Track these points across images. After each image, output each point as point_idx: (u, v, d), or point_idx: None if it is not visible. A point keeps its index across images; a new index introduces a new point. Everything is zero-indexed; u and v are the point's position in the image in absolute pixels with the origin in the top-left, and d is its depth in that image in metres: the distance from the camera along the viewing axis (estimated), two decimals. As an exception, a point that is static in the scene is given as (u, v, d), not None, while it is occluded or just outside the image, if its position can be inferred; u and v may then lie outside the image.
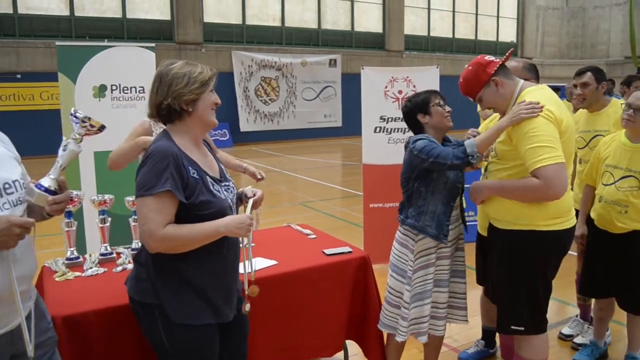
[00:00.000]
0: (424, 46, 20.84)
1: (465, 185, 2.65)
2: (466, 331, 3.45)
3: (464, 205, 2.74)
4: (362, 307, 2.71)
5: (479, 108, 4.30)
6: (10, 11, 13.57)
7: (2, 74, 13.09)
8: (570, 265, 3.24)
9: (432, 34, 21.19)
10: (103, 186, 3.78)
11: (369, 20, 19.47)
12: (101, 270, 2.43)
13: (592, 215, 2.97)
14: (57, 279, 2.33)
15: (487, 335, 3.20)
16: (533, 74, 2.76)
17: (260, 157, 13.59)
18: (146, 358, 2.04)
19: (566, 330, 3.49)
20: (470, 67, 2.41)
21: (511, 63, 2.59)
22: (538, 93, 2.29)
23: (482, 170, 2.60)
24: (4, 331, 1.51)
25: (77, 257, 2.53)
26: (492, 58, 2.40)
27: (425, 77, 4.64)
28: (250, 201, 1.99)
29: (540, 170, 2.13)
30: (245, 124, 16.74)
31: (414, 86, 4.62)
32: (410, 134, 2.68)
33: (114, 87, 4.11)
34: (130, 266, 2.44)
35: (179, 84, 1.77)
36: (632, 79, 5.08)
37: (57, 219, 1.79)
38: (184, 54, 15.33)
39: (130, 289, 1.87)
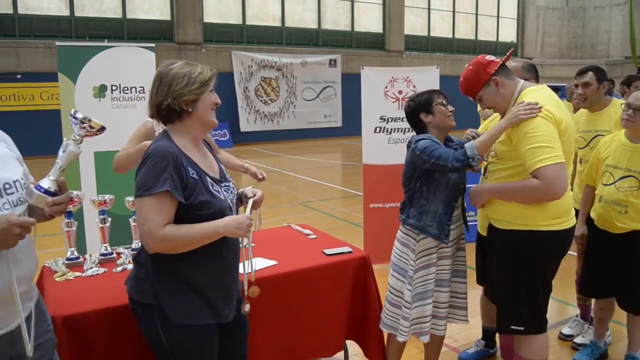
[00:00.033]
0: (424, 46, 20.83)
1: (467, 186, 2.65)
2: (466, 331, 3.45)
3: (465, 205, 2.74)
4: (362, 307, 2.71)
5: (479, 108, 4.31)
6: (10, 11, 13.57)
7: (2, 74, 13.09)
8: (570, 265, 3.24)
9: (432, 34, 21.18)
10: (103, 186, 3.77)
11: (369, 21, 19.46)
12: (101, 270, 2.43)
13: (592, 215, 2.97)
14: (57, 279, 2.33)
15: (487, 335, 3.20)
16: (533, 74, 2.76)
17: (260, 157, 13.58)
18: (146, 358, 2.03)
19: (566, 330, 3.49)
20: (470, 67, 2.41)
21: (511, 63, 2.59)
22: (538, 93, 2.29)
23: (482, 171, 2.60)
24: (3, 332, 1.51)
25: (77, 257, 2.53)
26: (492, 58, 2.41)
27: (426, 77, 4.64)
28: (250, 201, 1.99)
29: (540, 170, 2.13)
30: (245, 124, 16.74)
31: (414, 86, 4.63)
32: (412, 133, 2.68)
33: (114, 88, 4.11)
34: (130, 266, 2.44)
35: (179, 84, 1.77)
36: (632, 79, 5.08)
37: (58, 219, 1.79)
38: (184, 54, 15.33)
39: (130, 289, 1.88)
